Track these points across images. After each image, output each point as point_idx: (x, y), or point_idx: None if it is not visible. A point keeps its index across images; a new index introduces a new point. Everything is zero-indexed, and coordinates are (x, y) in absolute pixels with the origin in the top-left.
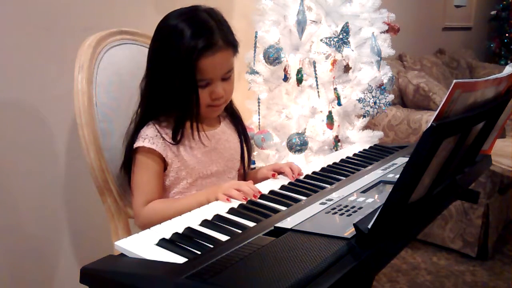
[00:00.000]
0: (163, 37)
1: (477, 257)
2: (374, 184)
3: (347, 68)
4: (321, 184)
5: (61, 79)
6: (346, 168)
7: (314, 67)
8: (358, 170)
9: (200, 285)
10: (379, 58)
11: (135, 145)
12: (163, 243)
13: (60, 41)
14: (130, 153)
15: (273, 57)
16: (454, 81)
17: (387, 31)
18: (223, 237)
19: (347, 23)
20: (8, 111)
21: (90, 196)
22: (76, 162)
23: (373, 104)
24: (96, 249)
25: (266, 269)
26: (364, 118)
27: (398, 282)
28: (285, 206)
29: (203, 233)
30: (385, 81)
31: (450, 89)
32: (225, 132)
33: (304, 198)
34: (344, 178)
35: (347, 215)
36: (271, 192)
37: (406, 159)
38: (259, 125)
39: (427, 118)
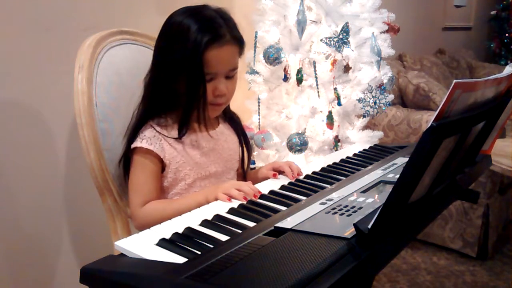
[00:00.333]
0: (170, 33)
1: (477, 257)
2: (374, 184)
3: (347, 68)
4: (321, 184)
5: (61, 79)
6: (346, 168)
7: (314, 67)
8: (358, 170)
9: (200, 285)
10: (379, 58)
11: (133, 145)
12: (163, 243)
13: (60, 41)
14: (128, 150)
15: (273, 57)
16: (454, 81)
17: (387, 31)
18: (223, 237)
19: (347, 23)
20: (8, 111)
21: (90, 196)
22: (76, 162)
23: (373, 104)
24: (96, 249)
25: (266, 269)
26: (364, 118)
27: (398, 282)
28: (285, 206)
29: (203, 233)
30: (385, 81)
31: (450, 89)
32: (223, 132)
33: (304, 198)
34: (344, 178)
35: (347, 215)
36: (271, 192)
37: (406, 159)
38: (259, 125)
39: (427, 118)
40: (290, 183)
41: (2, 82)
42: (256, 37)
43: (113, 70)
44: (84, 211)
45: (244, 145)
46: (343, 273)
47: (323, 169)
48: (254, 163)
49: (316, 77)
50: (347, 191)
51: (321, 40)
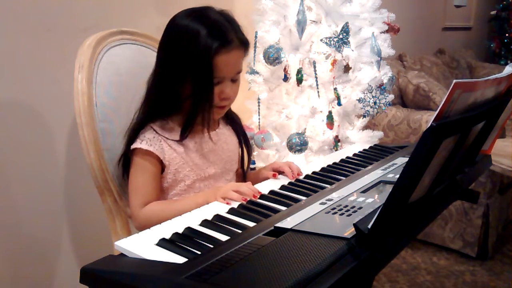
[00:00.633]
0: (177, 36)
1: (477, 257)
2: (374, 184)
3: (347, 68)
4: (321, 184)
5: (61, 79)
6: (346, 168)
7: (314, 67)
8: (358, 170)
9: (200, 285)
10: (379, 58)
11: (133, 146)
12: (163, 243)
13: (60, 41)
14: (128, 151)
15: (273, 57)
16: (454, 81)
17: (387, 31)
18: (223, 237)
19: (347, 23)
20: (8, 111)
21: (90, 196)
22: (76, 162)
23: (373, 104)
24: (96, 249)
25: (266, 269)
26: (364, 118)
27: (398, 282)
28: (285, 206)
29: (203, 233)
30: (385, 81)
31: (450, 89)
32: (224, 133)
33: (304, 198)
34: (344, 178)
35: (347, 215)
36: (271, 192)
37: (406, 159)
38: (259, 125)
39: (427, 118)
40: (290, 183)
41: (2, 82)
42: (256, 37)
43: (113, 70)
44: (84, 211)
45: (244, 145)
46: (343, 273)
47: (323, 169)
48: (254, 163)
49: (316, 77)
50: (347, 191)
51: (321, 40)
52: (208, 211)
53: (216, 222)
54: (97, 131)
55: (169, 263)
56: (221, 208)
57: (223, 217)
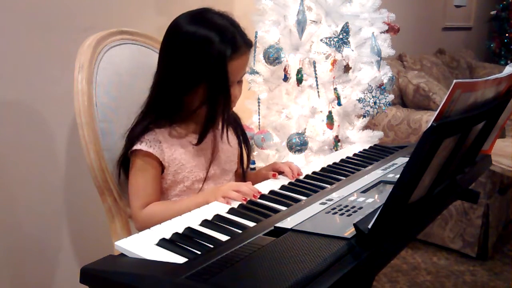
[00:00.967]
0: (186, 45)
1: (477, 257)
2: (374, 184)
3: (347, 68)
4: (321, 184)
5: (61, 79)
6: (346, 168)
7: (314, 67)
8: (358, 170)
9: (200, 285)
10: (379, 58)
11: (133, 148)
12: (163, 243)
13: (60, 41)
14: (128, 152)
15: (273, 57)
16: (454, 81)
17: (387, 31)
18: (223, 237)
19: (347, 23)
20: (8, 111)
21: (90, 196)
22: (76, 162)
23: (373, 104)
24: (96, 249)
25: (266, 269)
26: (364, 118)
27: (398, 282)
28: (285, 206)
29: (203, 233)
30: (385, 81)
31: (450, 89)
32: (224, 134)
33: (304, 198)
34: (344, 178)
35: (347, 215)
36: (271, 192)
37: (406, 159)
38: (259, 125)
39: (427, 118)
40: (290, 183)
41: (2, 82)
42: (256, 37)
43: (113, 70)
44: (84, 211)
45: (244, 146)
46: (343, 273)
47: (323, 169)
48: (254, 163)
49: (316, 77)
50: (347, 191)
51: (321, 40)
52: (208, 211)
53: (216, 222)
54: (97, 131)
55: (169, 263)
56: (221, 208)
57: (223, 217)
